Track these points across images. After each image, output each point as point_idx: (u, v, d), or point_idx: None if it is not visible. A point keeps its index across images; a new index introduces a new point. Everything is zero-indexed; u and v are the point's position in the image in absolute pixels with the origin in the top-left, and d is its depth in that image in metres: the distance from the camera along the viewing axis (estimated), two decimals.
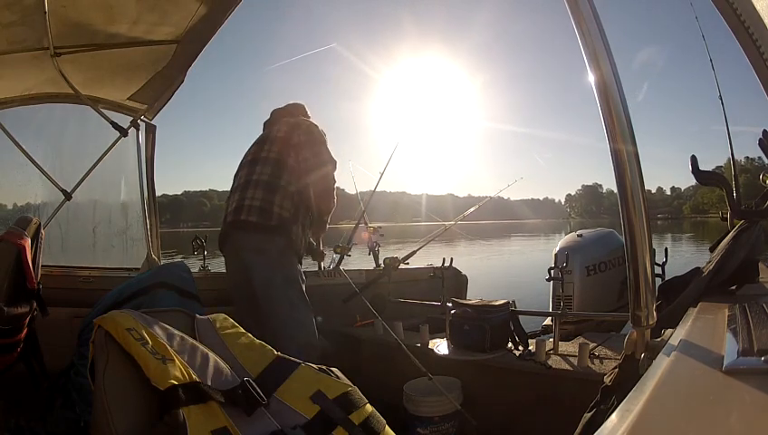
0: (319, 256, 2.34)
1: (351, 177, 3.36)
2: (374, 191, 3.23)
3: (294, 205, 1.90)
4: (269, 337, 0.92)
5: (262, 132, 2.12)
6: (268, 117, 2.20)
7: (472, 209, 3.26)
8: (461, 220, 3.19)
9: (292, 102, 2.20)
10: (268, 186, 1.88)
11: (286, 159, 1.92)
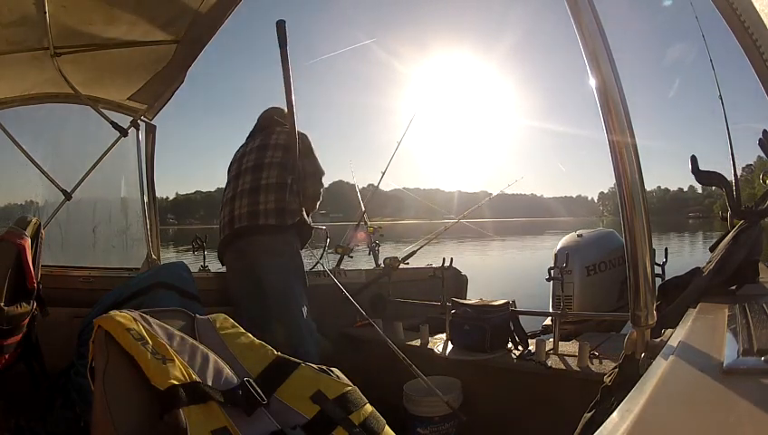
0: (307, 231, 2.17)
1: (352, 175, 3.37)
2: (376, 188, 3.25)
3: (300, 204, 2.00)
4: (280, 339, 0.93)
5: (255, 139, 2.15)
6: (259, 120, 2.26)
7: (473, 208, 3.28)
8: (462, 218, 3.21)
9: (273, 107, 2.28)
10: (279, 187, 1.96)
11: (287, 163, 2.00)
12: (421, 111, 3.26)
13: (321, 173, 2.13)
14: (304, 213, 2.04)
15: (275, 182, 1.97)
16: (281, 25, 1.91)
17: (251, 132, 2.23)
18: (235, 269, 2.02)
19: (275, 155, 2.03)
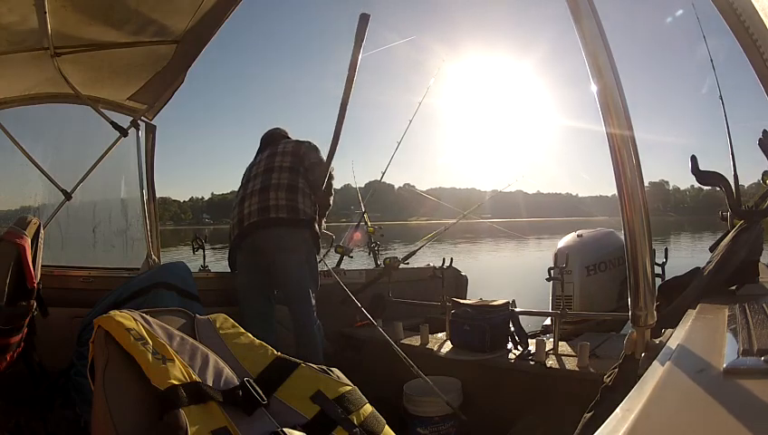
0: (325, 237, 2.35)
1: (353, 176, 3.38)
2: (375, 188, 3.25)
3: (313, 204, 2.04)
4: (288, 341, 0.93)
5: (263, 151, 2.21)
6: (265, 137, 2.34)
7: (474, 207, 3.29)
8: (462, 218, 3.22)
9: (276, 127, 2.39)
10: (290, 188, 2.00)
11: (299, 166, 2.07)
12: (402, 137, 3.19)
13: (332, 181, 2.19)
14: (317, 219, 2.07)
15: (287, 183, 2.00)
16: (364, 19, 1.82)
17: (259, 149, 2.29)
18: (246, 266, 2.02)
19: (284, 160, 2.09)
